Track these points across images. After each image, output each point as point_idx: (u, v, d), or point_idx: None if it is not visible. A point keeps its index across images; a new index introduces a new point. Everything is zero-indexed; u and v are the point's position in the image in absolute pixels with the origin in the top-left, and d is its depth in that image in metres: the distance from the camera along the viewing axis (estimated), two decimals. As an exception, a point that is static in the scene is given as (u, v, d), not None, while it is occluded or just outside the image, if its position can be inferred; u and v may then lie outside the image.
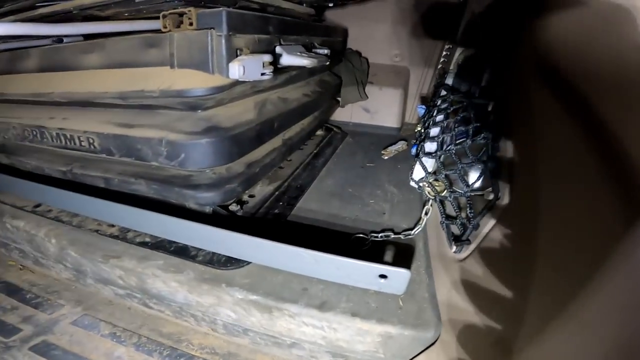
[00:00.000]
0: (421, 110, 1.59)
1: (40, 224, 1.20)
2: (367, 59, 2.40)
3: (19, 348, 1.05)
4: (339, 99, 2.28)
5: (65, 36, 1.21)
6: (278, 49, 1.18)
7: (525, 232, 0.61)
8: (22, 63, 1.30)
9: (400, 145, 2.01)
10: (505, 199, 0.69)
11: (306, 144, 1.93)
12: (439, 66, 2.12)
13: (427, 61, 2.31)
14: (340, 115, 2.43)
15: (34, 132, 1.22)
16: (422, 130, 1.33)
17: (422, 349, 0.87)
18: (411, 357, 0.90)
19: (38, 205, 1.31)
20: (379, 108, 2.38)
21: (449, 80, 1.45)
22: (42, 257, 1.26)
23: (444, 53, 2.01)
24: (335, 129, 2.30)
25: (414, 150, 1.36)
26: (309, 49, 1.48)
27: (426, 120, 1.33)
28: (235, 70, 0.90)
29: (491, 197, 0.74)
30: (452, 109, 1.12)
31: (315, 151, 1.89)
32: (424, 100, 2.35)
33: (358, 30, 2.35)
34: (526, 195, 0.66)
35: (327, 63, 1.51)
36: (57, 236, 1.14)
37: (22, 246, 1.30)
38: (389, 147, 1.99)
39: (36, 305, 1.22)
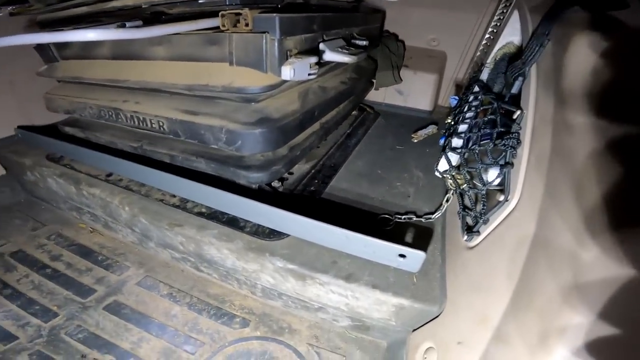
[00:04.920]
0: (453, 101, 1.64)
1: (113, 192, 1.36)
2: (403, 42, 2.39)
3: (95, 308, 1.20)
4: (373, 80, 2.30)
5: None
6: (321, 46, 1.27)
7: (524, 234, 0.72)
8: (95, 50, 1.42)
9: (431, 130, 2.04)
10: (514, 201, 0.79)
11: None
12: (477, 54, 2.10)
13: (465, 47, 2.27)
14: (374, 95, 2.45)
15: (110, 113, 1.39)
16: (452, 124, 1.39)
17: (427, 320, 1.00)
18: (417, 327, 1.03)
19: (110, 175, 1.47)
20: (412, 91, 2.38)
21: (484, 75, 1.45)
22: (113, 221, 1.43)
23: (484, 42, 1.97)
24: (368, 109, 2.34)
25: (442, 142, 1.42)
26: (348, 40, 1.54)
27: (456, 114, 1.38)
28: (287, 73, 1.02)
29: (502, 198, 0.84)
30: (481, 108, 1.17)
31: (348, 131, 1.96)
32: (458, 88, 2.35)
33: (395, 12, 2.33)
34: (530, 202, 0.75)
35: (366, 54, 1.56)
36: (130, 204, 1.29)
37: (94, 211, 1.46)
38: (419, 131, 2.03)
39: (107, 267, 1.36)
